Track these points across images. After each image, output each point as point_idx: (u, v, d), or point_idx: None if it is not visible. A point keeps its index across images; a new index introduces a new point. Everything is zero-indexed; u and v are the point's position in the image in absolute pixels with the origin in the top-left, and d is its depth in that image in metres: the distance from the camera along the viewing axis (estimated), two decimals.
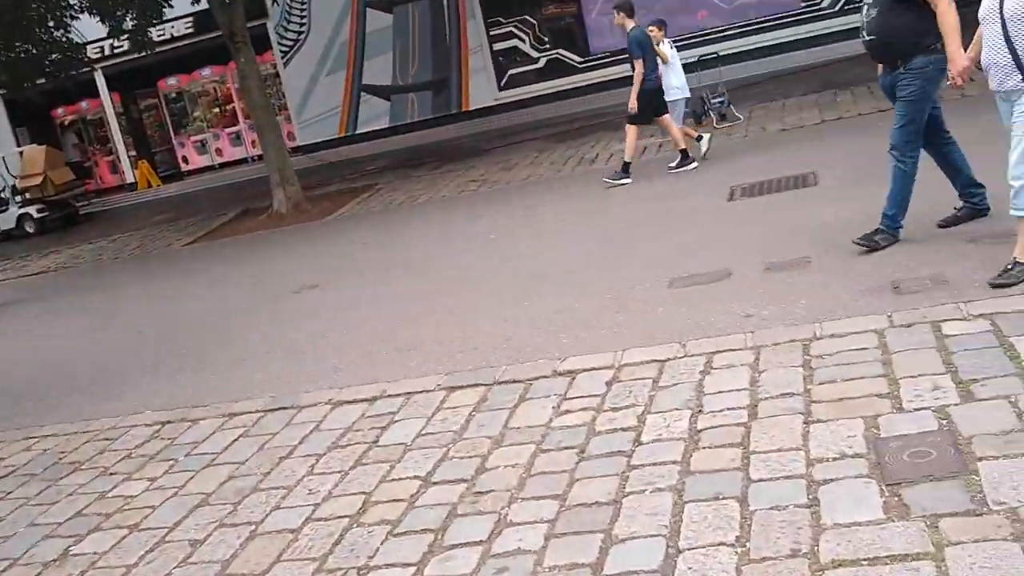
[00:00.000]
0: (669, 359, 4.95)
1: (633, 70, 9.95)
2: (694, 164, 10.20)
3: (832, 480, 3.43)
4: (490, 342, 5.92)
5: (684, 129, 10.47)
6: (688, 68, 13.84)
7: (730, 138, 11.91)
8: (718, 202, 8.47)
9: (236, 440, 5.25)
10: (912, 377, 4.10)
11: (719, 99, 13.15)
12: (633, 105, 10.00)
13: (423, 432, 4.75)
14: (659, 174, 10.34)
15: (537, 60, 19.37)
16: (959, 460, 3.35)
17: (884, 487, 3.30)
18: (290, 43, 20.69)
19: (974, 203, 6.07)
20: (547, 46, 19.24)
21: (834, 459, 3.57)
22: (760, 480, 3.54)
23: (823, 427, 3.84)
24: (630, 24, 9.97)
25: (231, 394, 6.06)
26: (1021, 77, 4.84)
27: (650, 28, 10.28)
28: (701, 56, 14.12)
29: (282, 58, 20.88)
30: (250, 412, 5.62)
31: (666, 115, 10.26)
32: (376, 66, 20.26)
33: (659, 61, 10.26)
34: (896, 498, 3.22)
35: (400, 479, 4.29)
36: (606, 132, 14.29)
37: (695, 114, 13.09)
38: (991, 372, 3.98)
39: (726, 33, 17.50)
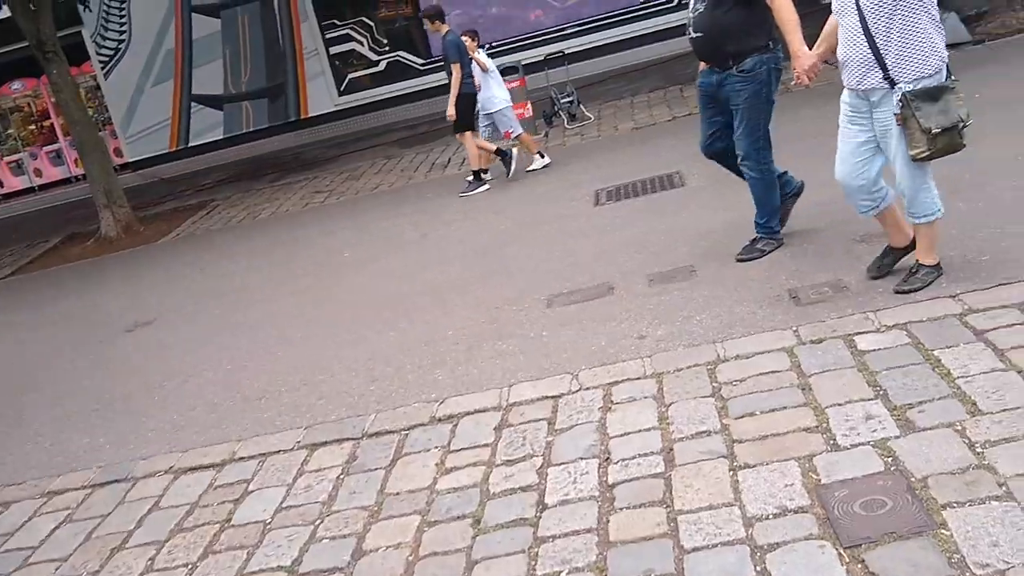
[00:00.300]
0: (562, 394, 4.39)
1: (450, 76, 9.55)
2: (486, 187, 9.72)
3: (780, 544, 2.93)
4: (354, 384, 5.23)
5: (485, 146, 9.97)
6: (535, 68, 13.52)
7: (584, 139, 11.52)
8: (584, 207, 8.01)
9: (57, 528, 4.38)
10: (839, 405, 3.68)
11: (568, 98, 12.75)
12: (451, 112, 9.59)
13: (284, 505, 4.03)
14: (517, 180, 9.83)
15: (377, 63, 18.60)
16: (921, 511, 2.90)
17: (843, 551, 2.82)
18: (110, 52, 19.22)
19: (787, 192, 5.75)
20: (387, 48, 18.50)
21: (775, 515, 3.08)
22: (695, 549, 3.02)
23: (753, 474, 3.35)
24: (444, 28, 9.69)
25: (52, 466, 5.15)
26: (882, 75, 4.39)
27: (462, 38, 9.85)
28: (548, 55, 13.73)
29: (102, 69, 19.37)
30: (74, 489, 4.75)
31: (469, 133, 9.84)
32: (206, 74, 19.06)
33: (476, 71, 9.80)
34: (860, 565, 2.74)
35: (261, 571, 3.57)
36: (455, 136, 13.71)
37: (545, 114, 12.68)
38: (925, 394, 3.59)
39: (567, 31, 17.20)
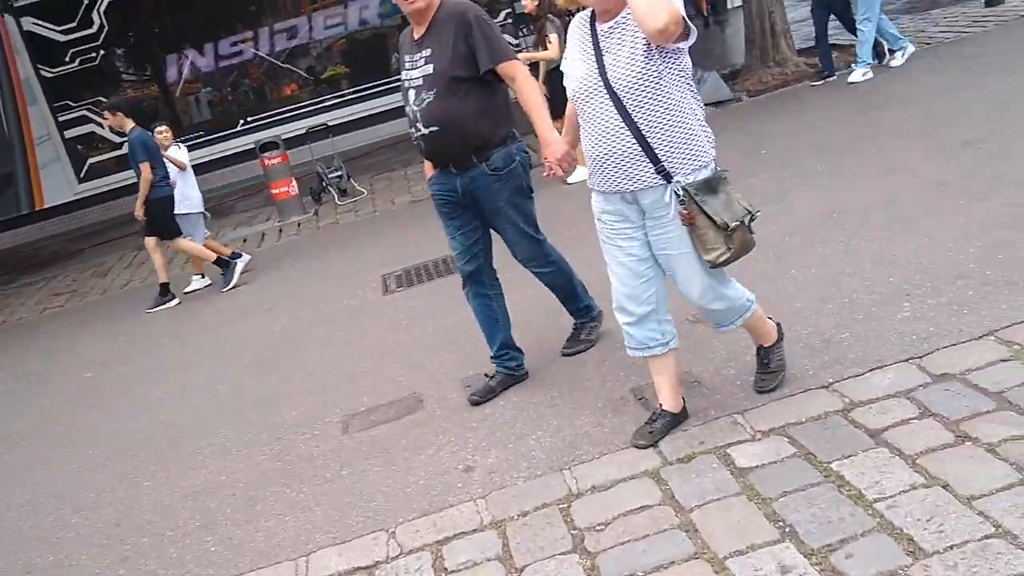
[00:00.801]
0: (379, 562, 3.40)
1: (139, 176, 8.46)
2: (175, 301, 8.68)
3: None
4: (98, 565, 3.99)
5: (215, 246, 9.02)
6: (298, 141, 12.52)
7: (359, 215, 10.60)
8: (372, 297, 7.04)
9: None
10: (740, 553, 2.89)
11: (337, 173, 11.83)
12: (139, 214, 8.59)
13: None
14: (289, 268, 8.76)
15: (121, 145, 16.96)
16: None
17: None
18: None
19: (510, 368, 4.72)
20: None
21: None
22: None
23: None
24: (129, 125, 8.54)
25: None
26: (654, 168, 3.42)
27: (159, 130, 8.88)
28: (310, 128, 12.78)
29: None
30: None
31: (180, 238, 8.75)
32: None
33: (172, 168, 8.79)
34: None
35: None
36: (215, 219, 12.40)
37: (313, 191, 11.68)
38: (844, 530, 2.86)
39: (327, 103, 16.35)
